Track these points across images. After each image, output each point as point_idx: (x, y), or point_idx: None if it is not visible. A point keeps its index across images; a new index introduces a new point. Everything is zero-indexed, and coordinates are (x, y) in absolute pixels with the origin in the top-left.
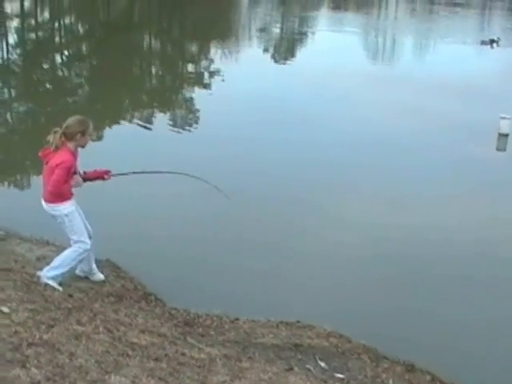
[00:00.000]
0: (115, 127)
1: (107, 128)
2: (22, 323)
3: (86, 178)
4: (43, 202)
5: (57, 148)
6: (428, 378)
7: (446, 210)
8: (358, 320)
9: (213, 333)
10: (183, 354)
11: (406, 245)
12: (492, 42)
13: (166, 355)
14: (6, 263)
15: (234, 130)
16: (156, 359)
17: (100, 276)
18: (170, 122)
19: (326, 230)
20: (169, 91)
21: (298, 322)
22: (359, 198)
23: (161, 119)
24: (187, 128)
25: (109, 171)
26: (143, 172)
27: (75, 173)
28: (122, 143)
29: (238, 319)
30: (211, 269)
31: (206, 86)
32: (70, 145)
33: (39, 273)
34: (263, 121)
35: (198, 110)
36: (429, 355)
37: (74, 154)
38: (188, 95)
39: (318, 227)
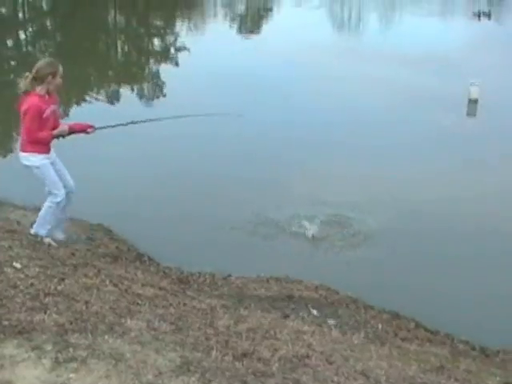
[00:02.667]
0: (82, 104)
1: (74, 105)
2: (35, 276)
3: (70, 130)
4: (20, 153)
5: (27, 92)
6: (412, 324)
7: (422, 178)
8: (342, 275)
9: (207, 288)
10: (185, 305)
11: (376, 209)
12: (480, 14)
13: (170, 304)
14: (9, 226)
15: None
16: (163, 307)
17: (60, 236)
18: (136, 98)
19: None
20: (135, 66)
21: (287, 276)
22: (332, 178)
23: (127, 95)
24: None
25: (92, 125)
26: (131, 123)
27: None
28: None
29: (230, 276)
30: (199, 227)
31: (172, 61)
32: (39, 89)
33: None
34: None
35: (164, 84)
36: (411, 305)
37: (44, 99)
38: (154, 70)
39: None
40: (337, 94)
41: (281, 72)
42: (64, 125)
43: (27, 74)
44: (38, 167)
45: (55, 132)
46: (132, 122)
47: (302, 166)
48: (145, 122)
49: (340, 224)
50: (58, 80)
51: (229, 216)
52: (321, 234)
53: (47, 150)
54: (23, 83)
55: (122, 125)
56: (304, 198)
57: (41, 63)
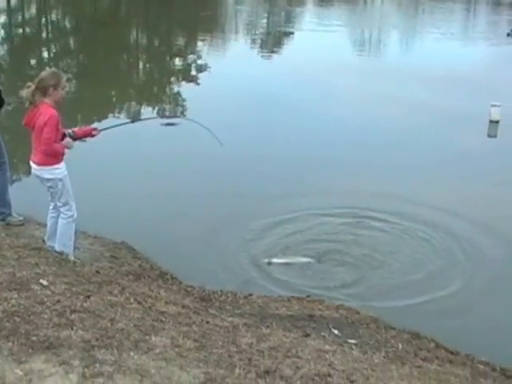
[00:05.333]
0: (104, 122)
1: (96, 123)
2: (61, 293)
3: (76, 137)
4: (35, 166)
5: (31, 103)
6: (432, 344)
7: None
8: (363, 294)
9: (229, 307)
10: (208, 322)
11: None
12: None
13: (193, 322)
14: (34, 243)
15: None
16: (186, 325)
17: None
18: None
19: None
20: (156, 85)
21: (308, 296)
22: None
23: (149, 113)
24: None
25: (95, 128)
26: (132, 121)
27: (64, 134)
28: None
29: (251, 295)
30: (220, 246)
31: (194, 80)
32: (48, 100)
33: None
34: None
35: (184, 100)
36: (431, 325)
37: (56, 110)
38: (175, 89)
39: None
40: (357, 114)
41: (300, 92)
42: (68, 139)
43: (30, 83)
44: (61, 179)
45: (64, 144)
46: (133, 121)
47: (327, 182)
48: (144, 120)
49: (360, 245)
50: (61, 92)
51: (254, 236)
52: (337, 254)
53: (63, 160)
54: (25, 92)
55: (124, 124)
56: (329, 216)
57: (44, 73)
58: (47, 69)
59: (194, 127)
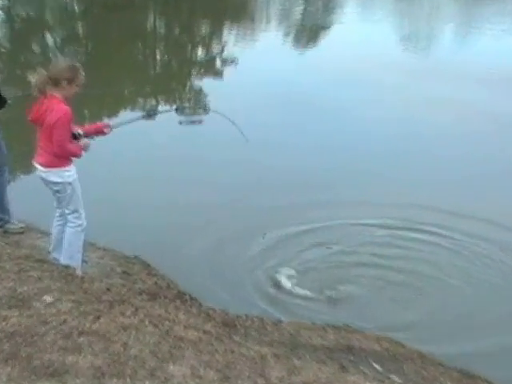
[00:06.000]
0: (114, 119)
1: (106, 118)
2: (67, 312)
3: (85, 135)
4: (41, 168)
5: (40, 93)
6: None
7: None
8: (410, 327)
9: (255, 333)
10: (232, 351)
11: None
12: None
13: (216, 350)
14: (38, 255)
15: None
16: (208, 353)
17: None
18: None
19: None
20: (176, 78)
21: (347, 325)
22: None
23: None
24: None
25: (108, 124)
26: (147, 115)
27: (74, 135)
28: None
29: (280, 321)
30: (245, 265)
31: (218, 73)
32: (58, 94)
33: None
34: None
35: (206, 96)
36: (483, 363)
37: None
38: (196, 83)
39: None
40: (402, 118)
41: (338, 92)
42: (85, 140)
43: (42, 70)
44: (70, 183)
45: (82, 145)
46: (148, 115)
47: (366, 193)
48: (161, 112)
49: (403, 267)
50: (75, 88)
51: (283, 251)
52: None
53: (72, 162)
54: (35, 79)
55: (138, 119)
56: (367, 231)
57: (60, 64)
58: (65, 59)
59: (214, 131)
